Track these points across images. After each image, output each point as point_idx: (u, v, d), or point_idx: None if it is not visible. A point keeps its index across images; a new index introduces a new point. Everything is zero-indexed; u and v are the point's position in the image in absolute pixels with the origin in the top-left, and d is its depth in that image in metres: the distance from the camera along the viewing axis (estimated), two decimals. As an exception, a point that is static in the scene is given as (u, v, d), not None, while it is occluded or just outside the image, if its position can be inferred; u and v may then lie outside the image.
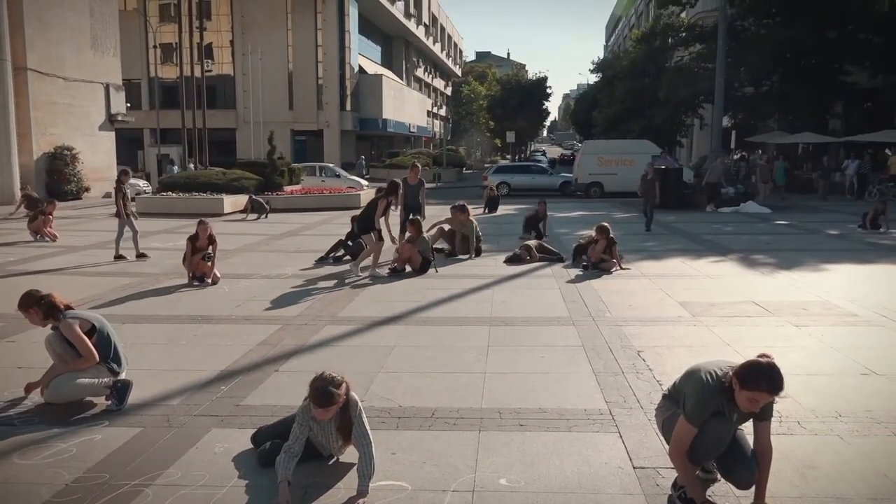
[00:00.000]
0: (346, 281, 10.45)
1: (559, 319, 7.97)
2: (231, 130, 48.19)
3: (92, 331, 5.41)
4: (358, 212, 12.05)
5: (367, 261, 10.97)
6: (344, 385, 3.98)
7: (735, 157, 30.22)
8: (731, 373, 3.59)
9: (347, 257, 12.16)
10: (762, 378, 3.46)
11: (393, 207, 11.04)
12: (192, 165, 31.47)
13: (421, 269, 10.95)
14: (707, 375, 3.67)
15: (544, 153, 79.00)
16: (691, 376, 3.77)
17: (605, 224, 11.56)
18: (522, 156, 73.74)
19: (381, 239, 11.00)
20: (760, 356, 3.56)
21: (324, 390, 3.93)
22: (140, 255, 12.70)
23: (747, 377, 3.49)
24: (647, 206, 16.60)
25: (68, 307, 5.46)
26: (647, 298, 9.13)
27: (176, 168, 31.46)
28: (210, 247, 10.31)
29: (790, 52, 28.78)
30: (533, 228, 15.08)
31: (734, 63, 28.30)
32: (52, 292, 5.46)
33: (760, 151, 33.46)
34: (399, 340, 7.12)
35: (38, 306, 5.32)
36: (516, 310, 8.53)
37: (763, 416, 3.66)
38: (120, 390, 5.27)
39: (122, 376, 5.49)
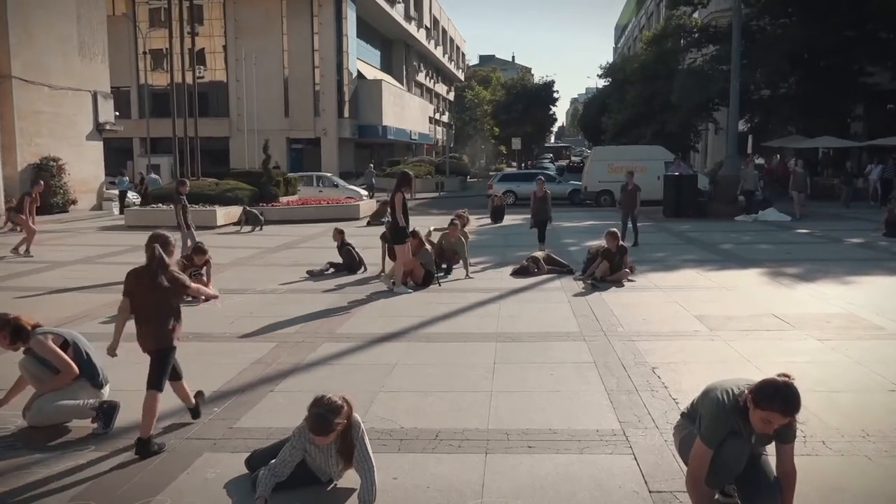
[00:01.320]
0: (367, 293, 10.44)
1: (569, 334, 7.95)
2: (224, 139, 48.39)
3: (65, 345, 5.41)
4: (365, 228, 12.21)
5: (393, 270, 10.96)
6: (345, 409, 3.94)
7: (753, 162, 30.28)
8: (746, 391, 3.57)
9: (332, 270, 12.23)
10: (776, 398, 3.43)
11: (408, 196, 11.02)
12: (154, 176, 31.42)
13: (423, 283, 10.94)
14: (723, 394, 3.65)
15: (552, 160, 79.12)
16: (707, 395, 3.75)
17: (615, 229, 11.57)
18: (531, 162, 73.88)
19: (416, 239, 11.05)
20: (779, 375, 3.54)
21: (322, 418, 3.88)
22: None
23: (761, 396, 3.47)
24: (628, 219, 15.59)
25: (36, 326, 5.45)
26: (662, 312, 9.09)
27: (155, 177, 31.42)
28: (203, 267, 10.41)
29: (808, 52, 28.84)
30: (540, 210, 15.09)
31: (749, 65, 28.34)
32: (18, 314, 5.47)
33: (778, 156, 33.48)
34: (401, 358, 7.10)
35: (5, 329, 5.31)
36: (524, 325, 8.51)
37: (785, 439, 3.63)
38: (106, 412, 5.25)
39: (107, 396, 5.47)
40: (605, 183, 29.64)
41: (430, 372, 6.61)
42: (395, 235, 10.77)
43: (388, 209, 10.99)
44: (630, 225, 15.69)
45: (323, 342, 7.78)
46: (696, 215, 22.40)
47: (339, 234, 12.83)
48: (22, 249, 15.37)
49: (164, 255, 5.08)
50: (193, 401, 5.49)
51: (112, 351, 5.19)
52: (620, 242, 11.27)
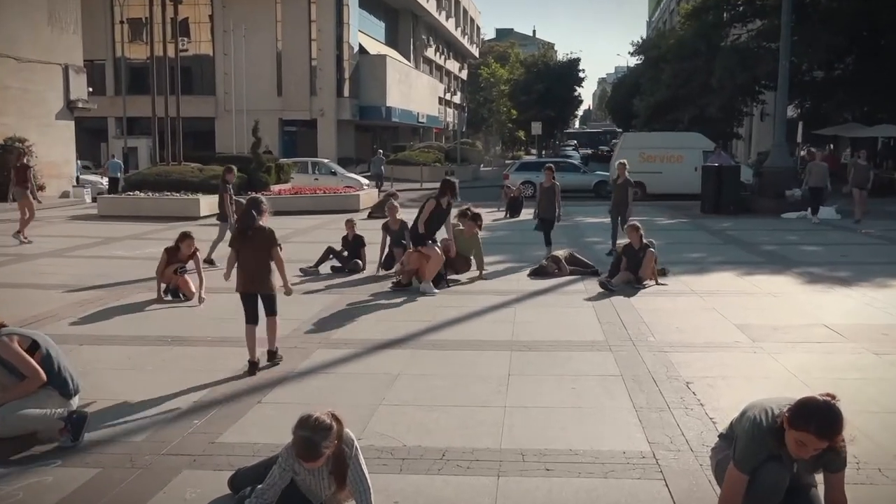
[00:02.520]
0: (367, 294, 10.45)
1: (593, 344, 7.93)
2: (209, 120, 48.57)
3: (33, 347, 5.43)
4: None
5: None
6: (334, 429, 3.91)
7: (802, 153, 30.05)
8: (786, 411, 3.55)
9: (331, 267, 12.27)
10: (813, 418, 3.41)
11: (447, 204, 11.12)
12: (115, 161, 31.51)
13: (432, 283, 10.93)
14: (760, 414, 3.64)
15: (576, 147, 79.08)
16: (744, 414, 3.74)
17: (636, 222, 11.61)
18: (553, 150, 73.81)
19: (434, 245, 11.12)
20: (822, 395, 3.52)
21: (308, 442, 3.83)
22: (208, 262, 12.92)
23: (797, 415, 3.46)
24: (618, 220, 14.23)
25: (1, 326, 5.48)
26: (698, 319, 9.05)
27: (116, 161, 31.48)
28: (190, 261, 10.42)
29: (867, 28, 28.68)
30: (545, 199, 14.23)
31: (801, 42, 28.20)
32: None
33: (831, 146, 33.32)
34: (404, 367, 7.11)
35: None
36: (542, 332, 8.49)
37: (833, 466, 3.61)
38: (75, 423, 5.27)
39: (76, 406, 5.50)
40: (636, 174, 29.39)
41: (436, 384, 6.61)
42: (415, 239, 11.11)
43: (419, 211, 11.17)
44: (621, 228, 14.05)
45: (317, 348, 7.78)
46: (738, 211, 22.31)
47: (350, 227, 12.94)
48: (24, 234, 15.90)
49: (258, 216, 6.92)
50: (267, 349, 7.14)
51: (227, 278, 7.47)
52: (645, 240, 11.25)
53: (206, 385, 6.55)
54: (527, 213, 22.88)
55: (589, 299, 10.29)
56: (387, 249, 12.41)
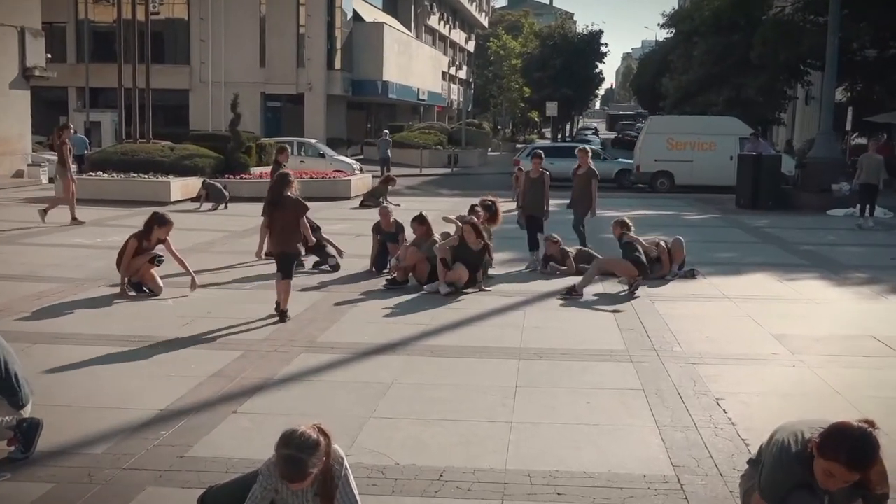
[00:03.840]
0: (358, 292, 10.46)
1: (612, 353, 7.93)
2: (183, 92, 48.49)
3: None
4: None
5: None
6: (322, 445, 3.90)
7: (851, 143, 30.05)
8: (817, 436, 3.55)
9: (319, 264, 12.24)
10: (843, 447, 3.41)
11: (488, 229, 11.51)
12: (80, 136, 31.35)
13: (429, 281, 10.94)
14: (789, 438, 3.64)
15: (596, 131, 78.95)
16: (773, 438, 3.74)
17: (624, 218, 11.72)
18: (569, 134, 73.75)
19: (423, 226, 11.30)
20: (860, 420, 3.51)
21: (294, 461, 3.82)
22: (270, 255, 12.88)
23: (826, 442, 3.45)
24: (579, 218, 13.90)
25: None
26: (730, 328, 9.05)
27: (81, 137, 31.32)
28: (159, 245, 10.37)
29: (929, 2, 28.54)
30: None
31: (852, 16, 28.11)
32: None
33: (884, 135, 33.22)
34: (398, 376, 7.11)
35: None
36: (555, 338, 8.49)
37: (874, 501, 3.61)
38: (26, 433, 5.27)
39: (28, 413, 5.50)
40: (663, 162, 29.58)
41: (434, 395, 6.61)
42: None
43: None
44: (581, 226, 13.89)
45: (300, 352, 7.79)
46: (778, 207, 22.28)
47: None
48: (45, 212, 16.53)
49: (286, 187, 9.05)
50: (285, 307, 9.01)
51: (259, 254, 9.57)
52: (660, 242, 11.31)
53: (174, 392, 6.55)
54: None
55: (608, 302, 10.28)
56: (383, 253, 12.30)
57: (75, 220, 16.68)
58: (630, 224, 11.58)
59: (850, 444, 3.42)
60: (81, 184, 22.63)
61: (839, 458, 3.41)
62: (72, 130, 17.55)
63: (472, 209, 12.17)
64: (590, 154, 14.08)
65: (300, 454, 3.80)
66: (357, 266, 12.48)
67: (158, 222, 10.39)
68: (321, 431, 3.91)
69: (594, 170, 13.92)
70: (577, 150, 15.58)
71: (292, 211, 9.05)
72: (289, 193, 9.07)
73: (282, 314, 9.02)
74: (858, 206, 19.60)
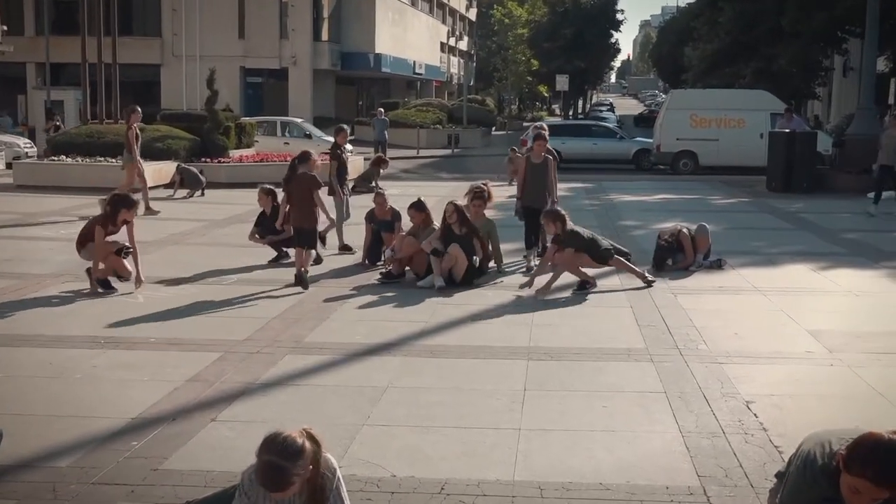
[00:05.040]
0: (350, 287, 10.46)
1: (630, 352, 7.94)
2: (154, 67, 48.47)
3: None
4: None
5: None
6: (308, 451, 3.87)
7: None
8: (844, 448, 3.55)
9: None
10: (871, 461, 3.38)
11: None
12: (5, 117, 31.19)
13: (428, 274, 10.94)
14: (815, 449, 3.63)
15: (612, 107, 78.89)
16: (800, 448, 3.74)
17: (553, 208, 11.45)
18: (582, 110, 73.62)
19: (422, 213, 11.37)
20: (893, 432, 3.50)
21: (275, 468, 3.78)
22: (345, 248, 13.05)
23: (853, 455, 3.43)
24: (522, 210, 12.52)
25: None
26: (761, 323, 9.06)
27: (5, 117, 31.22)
28: (124, 226, 10.36)
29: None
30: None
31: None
32: None
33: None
34: (394, 378, 7.11)
35: None
36: (567, 336, 8.50)
37: None
38: (-15, 444, 5.29)
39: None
40: (685, 141, 29.58)
41: (434, 399, 6.62)
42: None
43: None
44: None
45: (285, 354, 7.79)
46: (813, 190, 22.26)
47: (265, 197, 12.66)
48: (144, 207, 16.42)
49: (303, 163, 10.77)
50: (304, 269, 10.54)
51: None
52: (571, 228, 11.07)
53: (147, 398, 6.55)
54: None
55: (626, 297, 10.29)
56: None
57: (150, 210, 16.88)
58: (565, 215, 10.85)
59: (877, 458, 3.39)
60: (42, 170, 22.68)
61: (865, 474, 3.39)
62: (139, 114, 17.68)
63: (474, 195, 12.10)
64: (546, 133, 13.10)
65: (282, 461, 3.77)
66: (347, 258, 12.50)
67: (125, 204, 10.40)
68: (309, 436, 3.88)
69: (554, 152, 13.07)
70: (533, 128, 14.52)
71: (306, 187, 10.53)
72: (305, 170, 10.65)
73: (299, 278, 10.39)
74: (874, 193, 18.38)
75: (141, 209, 16.41)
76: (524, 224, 12.48)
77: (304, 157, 10.95)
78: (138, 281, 10.24)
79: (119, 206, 10.31)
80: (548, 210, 11.20)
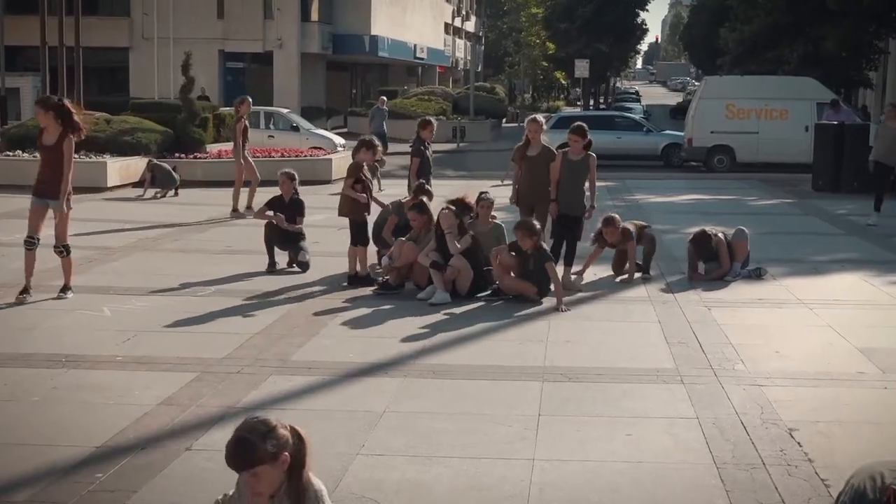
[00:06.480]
0: (342, 299, 10.46)
1: (658, 373, 7.93)
2: (122, 51, 48.54)
3: None
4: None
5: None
6: (283, 434, 3.84)
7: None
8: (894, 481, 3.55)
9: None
10: None
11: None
12: None
13: (430, 283, 10.93)
14: (865, 483, 3.63)
15: (637, 97, 78.86)
16: (849, 482, 3.74)
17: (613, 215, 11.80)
18: (604, 100, 73.56)
19: (422, 216, 11.42)
20: None
21: (239, 443, 3.74)
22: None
23: None
24: (524, 210, 12.01)
25: None
26: (806, 341, 9.06)
27: None
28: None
29: None
30: None
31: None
32: None
33: None
34: (392, 402, 7.11)
35: None
36: (587, 355, 8.50)
37: None
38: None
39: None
40: (721, 135, 29.54)
41: (436, 426, 6.61)
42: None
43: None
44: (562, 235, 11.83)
45: (270, 374, 7.79)
46: (865, 189, 22.16)
47: (289, 182, 12.80)
48: (243, 205, 17.12)
49: (356, 151, 11.97)
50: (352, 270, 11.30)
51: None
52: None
53: (114, 424, 6.54)
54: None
55: (653, 309, 10.28)
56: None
57: (235, 212, 17.20)
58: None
59: None
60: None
61: None
62: (250, 104, 17.96)
63: (481, 197, 12.04)
64: (543, 127, 12.64)
65: (249, 434, 3.77)
66: (340, 266, 12.49)
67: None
68: (294, 431, 3.89)
69: (550, 149, 12.37)
70: (528, 118, 13.13)
71: (347, 176, 11.67)
72: (356, 158, 11.76)
73: (350, 278, 11.24)
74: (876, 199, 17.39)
75: (242, 204, 17.06)
76: (553, 238, 11.63)
77: (360, 143, 11.91)
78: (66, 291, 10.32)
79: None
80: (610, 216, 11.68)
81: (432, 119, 15.45)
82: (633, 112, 47.69)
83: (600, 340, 9.07)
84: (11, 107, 38.64)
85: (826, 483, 5.60)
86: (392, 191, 19.13)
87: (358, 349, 8.60)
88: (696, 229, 12.33)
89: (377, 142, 12.40)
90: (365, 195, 11.54)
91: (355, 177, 11.50)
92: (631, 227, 11.95)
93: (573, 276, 11.65)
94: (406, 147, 37.29)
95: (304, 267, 12.09)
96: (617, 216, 12.13)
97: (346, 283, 11.24)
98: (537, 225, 10.80)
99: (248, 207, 17.05)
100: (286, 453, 3.81)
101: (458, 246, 10.71)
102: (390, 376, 7.81)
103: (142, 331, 9.15)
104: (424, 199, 11.95)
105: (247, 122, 17.79)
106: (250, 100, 18.30)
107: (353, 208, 11.40)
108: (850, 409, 7.07)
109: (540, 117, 13.01)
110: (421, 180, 13.06)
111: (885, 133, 17.78)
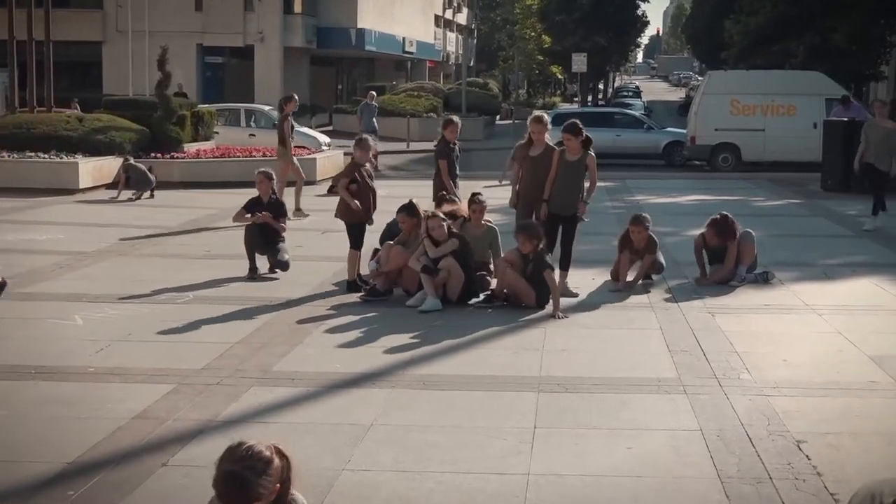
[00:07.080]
0: (326, 307, 10.45)
1: (660, 383, 7.94)
2: (95, 46, 48.44)
3: None
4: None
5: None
6: (276, 465, 3.87)
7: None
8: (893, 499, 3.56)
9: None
10: None
11: None
12: None
13: (420, 289, 10.93)
14: (865, 502, 3.64)
15: (638, 92, 78.98)
16: (851, 501, 3.75)
17: (643, 214, 11.80)
18: (603, 96, 73.61)
19: (411, 219, 11.42)
20: None
21: (236, 480, 3.77)
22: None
23: None
24: (523, 212, 11.86)
25: None
26: (815, 348, 9.08)
27: None
28: None
29: None
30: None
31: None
32: None
33: None
34: (379, 415, 7.11)
35: None
36: (585, 364, 8.51)
37: None
38: None
39: None
40: (725, 132, 29.57)
41: (427, 439, 6.62)
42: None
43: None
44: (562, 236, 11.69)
45: (251, 385, 7.78)
46: (877, 189, 22.27)
47: (267, 182, 12.71)
48: (300, 204, 17.53)
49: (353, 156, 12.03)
50: (355, 275, 11.41)
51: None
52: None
53: (87, 439, 6.53)
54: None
55: (654, 316, 10.30)
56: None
57: (299, 212, 17.52)
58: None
59: None
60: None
61: None
62: (296, 102, 18.09)
63: (473, 199, 12.02)
64: (548, 125, 12.26)
65: (246, 472, 3.76)
66: (324, 271, 12.49)
67: None
68: (278, 451, 3.89)
69: (551, 146, 12.04)
70: (531, 116, 12.89)
71: (343, 176, 12.18)
72: (354, 158, 11.88)
73: (349, 284, 11.35)
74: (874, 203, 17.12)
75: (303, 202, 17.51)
76: (546, 238, 11.15)
77: (358, 143, 11.84)
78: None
79: None
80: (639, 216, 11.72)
81: (455, 118, 15.27)
82: (633, 108, 47.70)
83: (599, 349, 9.08)
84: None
85: (836, 497, 5.62)
86: (388, 191, 19.07)
87: (344, 359, 8.60)
88: (696, 231, 12.35)
89: (371, 140, 12.43)
90: (357, 202, 11.42)
91: (350, 176, 11.57)
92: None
93: (606, 286, 11.72)
94: (394, 145, 37.46)
95: (284, 267, 12.08)
96: (647, 216, 12.01)
97: (360, 291, 11.17)
98: (539, 229, 10.83)
99: (298, 209, 17.39)
100: (277, 485, 3.82)
101: (436, 249, 10.69)
102: (378, 387, 7.81)
103: (116, 340, 9.14)
104: (447, 206, 11.91)
105: (293, 121, 17.93)
106: (296, 98, 18.44)
107: (345, 211, 11.47)
108: (861, 419, 7.08)
109: (545, 116, 12.76)
110: (442, 192, 12.94)
111: (874, 132, 17.20)
